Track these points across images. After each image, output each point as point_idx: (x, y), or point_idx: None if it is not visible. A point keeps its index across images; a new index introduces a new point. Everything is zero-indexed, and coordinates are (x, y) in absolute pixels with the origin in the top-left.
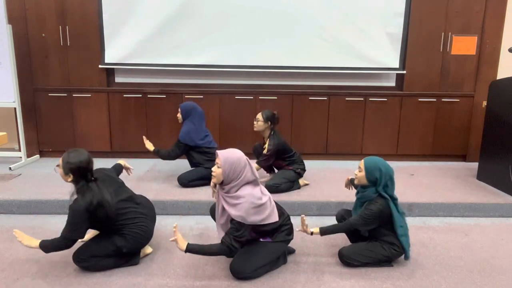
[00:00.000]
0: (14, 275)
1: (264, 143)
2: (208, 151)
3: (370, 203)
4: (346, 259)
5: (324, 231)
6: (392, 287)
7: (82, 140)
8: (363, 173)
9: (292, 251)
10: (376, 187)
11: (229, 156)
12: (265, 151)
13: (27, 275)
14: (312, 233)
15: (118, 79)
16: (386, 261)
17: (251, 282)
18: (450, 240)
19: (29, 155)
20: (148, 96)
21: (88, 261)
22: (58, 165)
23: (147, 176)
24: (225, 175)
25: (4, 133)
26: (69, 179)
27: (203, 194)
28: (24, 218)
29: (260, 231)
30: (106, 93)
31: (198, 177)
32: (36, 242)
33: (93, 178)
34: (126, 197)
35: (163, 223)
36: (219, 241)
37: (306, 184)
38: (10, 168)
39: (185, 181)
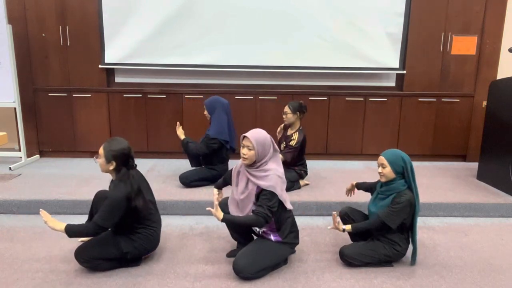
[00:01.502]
0: (14, 275)
1: (291, 135)
2: (227, 156)
3: (399, 195)
4: (348, 259)
5: (355, 229)
6: (392, 287)
7: (82, 140)
8: (388, 168)
9: (292, 252)
10: (405, 178)
11: (258, 137)
12: (292, 143)
13: (27, 275)
14: (344, 230)
15: (118, 79)
16: (387, 261)
17: (251, 282)
18: (450, 240)
19: (29, 155)
20: (148, 96)
21: (90, 262)
22: (97, 156)
23: (147, 176)
24: (258, 155)
25: (4, 133)
26: (111, 167)
27: (203, 194)
28: (24, 218)
29: (277, 218)
30: (106, 93)
31: (199, 178)
32: (62, 226)
33: (135, 165)
34: (152, 199)
35: (163, 223)
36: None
37: (306, 184)
38: (10, 168)
39: (187, 181)
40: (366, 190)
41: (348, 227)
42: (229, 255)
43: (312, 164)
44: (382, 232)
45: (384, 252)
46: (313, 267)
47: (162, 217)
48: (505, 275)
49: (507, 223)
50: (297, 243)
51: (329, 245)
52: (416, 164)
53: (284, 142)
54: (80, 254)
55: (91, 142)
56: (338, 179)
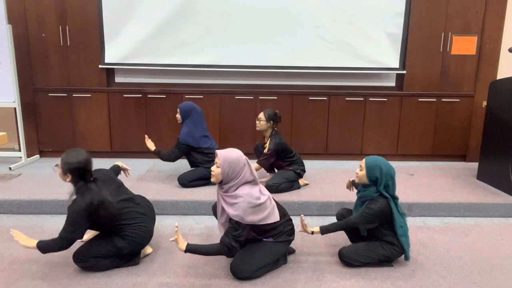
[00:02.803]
0: (14, 275)
1: (265, 143)
2: (209, 152)
3: (371, 202)
4: (346, 259)
5: (324, 230)
6: (392, 287)
7: (82, 140)
8: (364, 172)
9: (292, 251)
10: (377, 187)
11: (228, 156)
12: (265, 151)
13: (27, 275)
14: (312, 233)
15: (118, 79)
16: (386, 261)
17: (251, 282)
18: (450, 240)
19: (29, 155)
20: (148, 96)
21: (88, 262)
22: (57, 165)
23: (147, 176)
24: (224, 174)
25: (4, 133)
26: (68, 179)
27: (203, 194)
28: (24, 218)
29: (261, 230)
30: (106, 93)
31: (198, 177)
32: (34, 243)
33: (92, 179)
34: (126, 197)
35: (163, 223)
36: (219, 233)
37: (306, 184)
38: (10, 168)
39: (186, 181)
40: (356, 188)
41: (317, 229)
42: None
43: (312, 164)
44: (380, 234)
45: (383, 253)
46: (313, 267)
47: (162, 217)
48: (505, 275)
49: (507, 223)
50: (292, 240)
51: (329, 245)
52: (416, 164)
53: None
54: (77, 256)
55: (91, 142)
56: (338, 179)
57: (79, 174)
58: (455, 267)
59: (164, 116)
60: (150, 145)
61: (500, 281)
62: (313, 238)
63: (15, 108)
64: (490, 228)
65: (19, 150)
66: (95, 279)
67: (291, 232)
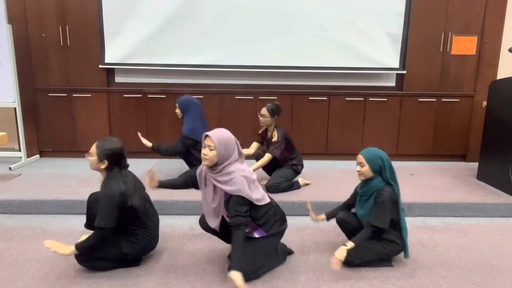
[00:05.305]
0: (14, 275)
1: (270, 135)
2: None
3: (379, 194)
4: (347, 258)
5: (355, 242)
6: (392, 287)
7: (82, 140)
8: (366, 167)
9: (291, 252)
10: (382, 176)
11: (221, 137)
12: (274, 139)
13: (27, 275)
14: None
15: (118, 79)
16: (386, 259)
17: (251, 282)
18: (450, 240)
19: (29, 155)
20: (148, 96)
21: (90, 262)
22: (89, 154)
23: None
24: (220, 156)
25: (4, 133)
26: (103, 166)
27: None
28: (24, 218)
29: (256, 215)
30: (106, 93)
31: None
32: (71, 248)
33: (127, 165)
34: (150, 200)
35: (163, 223)
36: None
37: (307, 184)
38: (10, 168)
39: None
40: (340, 211)
41: (350, 244)
42: (230, 256)
43: (312, 164)
44: (378, 233)
45: (383, 251)
46: (313, 267)
47: (162, 217)
48: (505, 275)
49: (507, 223)
50: (285, 228)
51: (329, 245)
52: (416, 164)
53: (267, 145)
54: (80, 254)
55: (91, 142)
56: (338, 179)
57: (116, 159)
58: (455, 267)
59: (164, 116)
60: (146, 142)
61: (500, 281)
62: (312, 238)
63: (15, 108)
64: (490, 228)
65: (19, 150)
66: (95, 279)
67: (281, 222)
